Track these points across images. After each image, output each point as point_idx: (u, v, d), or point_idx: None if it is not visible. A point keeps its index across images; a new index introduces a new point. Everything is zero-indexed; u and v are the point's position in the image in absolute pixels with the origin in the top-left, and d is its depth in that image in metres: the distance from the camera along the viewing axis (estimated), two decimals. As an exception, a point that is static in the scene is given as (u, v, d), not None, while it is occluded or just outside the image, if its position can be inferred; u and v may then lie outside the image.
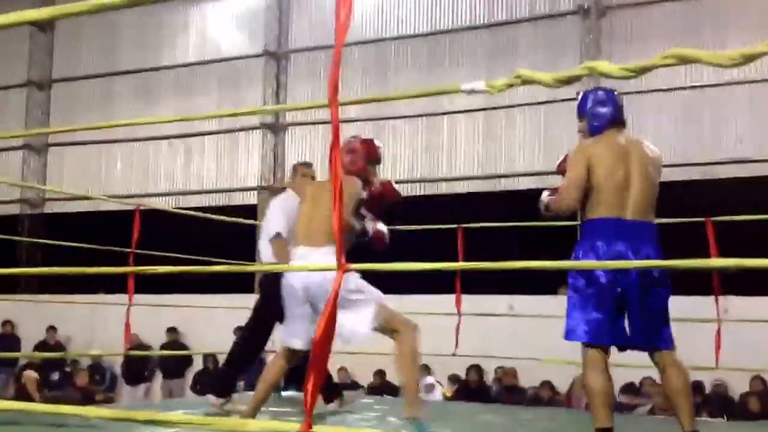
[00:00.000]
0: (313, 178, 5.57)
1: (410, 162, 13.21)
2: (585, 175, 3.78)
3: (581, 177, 3.78)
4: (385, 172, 12.59)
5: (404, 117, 13.11)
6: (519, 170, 12.62)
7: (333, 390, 5.43)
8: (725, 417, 7.47)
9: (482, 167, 12.83)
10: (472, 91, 2.29)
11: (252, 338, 5.48)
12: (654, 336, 3.72)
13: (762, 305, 9.10)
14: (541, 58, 12.53)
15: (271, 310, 4.92)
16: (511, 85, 2.27)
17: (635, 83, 10.64)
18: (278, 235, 5.08)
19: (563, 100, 11.31)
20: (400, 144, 13.22)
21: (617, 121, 3.95)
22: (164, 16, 15.04)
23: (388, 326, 4.21)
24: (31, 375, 9.49)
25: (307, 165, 5.75)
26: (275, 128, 14.26)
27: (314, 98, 13.90)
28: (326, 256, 4.11)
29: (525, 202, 12.11)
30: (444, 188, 12.98)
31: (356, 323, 4.07)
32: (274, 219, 5.12)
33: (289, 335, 4.35)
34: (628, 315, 3.72)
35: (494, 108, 12.52)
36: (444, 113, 12.98)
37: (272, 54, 14.37)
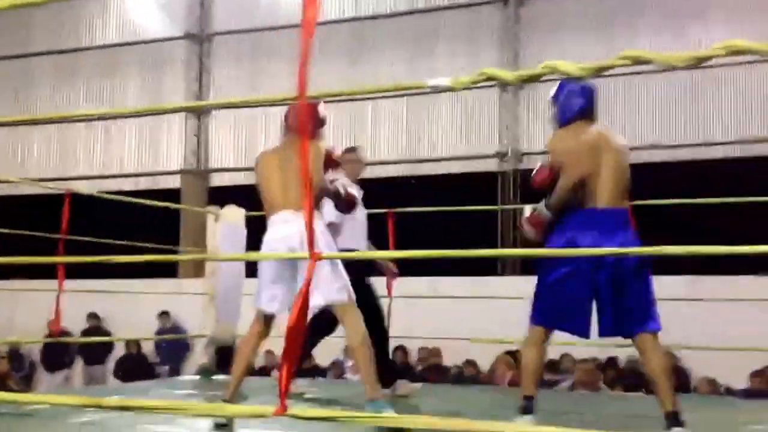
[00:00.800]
0: (359, 162, 5.49)
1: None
2: (575, 160, 3.90)
3: (573, 161, 3.89)
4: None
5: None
6: (443, 155, 12.79)
7: (392, 375, 5.35)
8: (644, 391, 7.73)
9: (406, 151, 12.97)
10: (436, 87, 2.34)
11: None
12: (629, 322, 3.83)
13: (674, 284, 9.45)
14: (461, 46, 12.71)
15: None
16: (475, 82, 2.33)
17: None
18: (331, 224, 4.93)
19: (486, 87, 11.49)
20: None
21: (587, 113, 4.04)
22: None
23: (343, 307, 4.18)
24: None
25: (353, 149, 5.65)
26: (199, 111, 14.14)
27: (238, 81, 13.82)
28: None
29: (448, 186, 12.41)
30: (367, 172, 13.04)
31: (319, 290, 3.96)
32: (328, 209, 4.90)
33: (268, 299, 4.22)
34: (598, 303, 3.84)
35: (418, 94, 12.64)
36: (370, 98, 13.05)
37: (194, 36, 14.22)
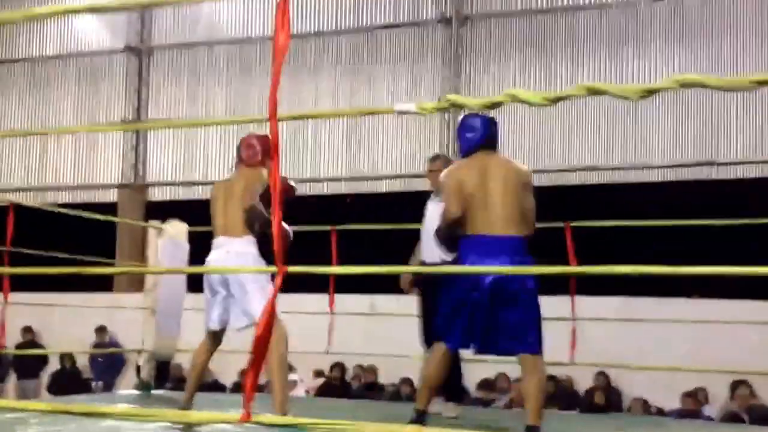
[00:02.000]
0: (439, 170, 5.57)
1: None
2: (458, 190, 4.14)
3: (455, 191, 4.14)
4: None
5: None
6: (383, 173, 12.88)
7: (458, 391, 5.46)
8: (577, 410, 7.89)
9: (347, 169, 13.03)
10: (403, 112, 2.41)
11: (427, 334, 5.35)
12: (511, 342, 4.09)
13: (608, 305, 9.63)
14: (402, 65, 12.83)
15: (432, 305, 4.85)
16: (440, 109, 2.42)
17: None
18: None
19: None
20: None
21: (486, 145, 4.24)
22: (17, 4, 14.50)
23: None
24: None
25: (437, 158, 5.73)
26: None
27: (177, 96, 13.74)
28: (244, 244, 4.53)
29: (387, 204, 12.48)
30: (309, 189, 13.07)
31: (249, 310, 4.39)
32: (434, 219, 4.90)
33: (209, 318, 4.65)
34: (480, 323, 4.08)
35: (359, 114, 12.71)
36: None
37: (134, 50, 14.11)
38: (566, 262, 6.41)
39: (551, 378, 9.48)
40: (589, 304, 9.26)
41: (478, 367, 9.28)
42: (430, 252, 5.18)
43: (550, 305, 7.80)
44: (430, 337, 4.74)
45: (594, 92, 2.18)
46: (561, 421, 6.21)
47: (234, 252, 4.51)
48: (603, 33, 11.96)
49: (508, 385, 8.88)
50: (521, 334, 4.06)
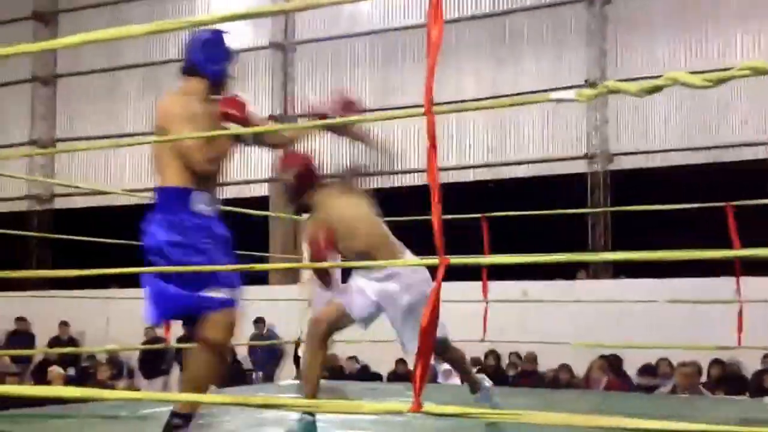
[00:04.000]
0: None
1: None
2: None
3: None
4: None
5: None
6: (528, 157, 12.72)
7: None
8: (747, 394, 7.55)
9: (492, 155, 12.94)
10: (561, 101, 2.34)
11: None
12: None
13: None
14: (546, 46, 12.62)
15: None
16: (600, 95, 2.33)
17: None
18: None
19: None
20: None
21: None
22: (169, 6, 15.09)
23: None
24: (57, 371, 9.55)
25: None
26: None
27: (322, 90, 13.96)
28: None
29: (531, 188, 12.31)
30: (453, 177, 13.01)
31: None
32: None
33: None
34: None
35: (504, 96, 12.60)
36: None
37: (279, 45, 14.42)
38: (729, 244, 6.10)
39: (718, 362, 9.09)
40: (757, 285, 8.86)
41: (638, 354, 9.07)
42: None
43: (713, 287, 7.63)
44: None
45: (757, 71, 2.01)
46: (733, 405, 5.95)
47: None
48: (758, 2, 11.38)
49: (671, 370, 8.59)
50: None
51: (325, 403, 2.43)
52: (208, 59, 3.63)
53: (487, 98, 12.68)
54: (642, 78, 11.27)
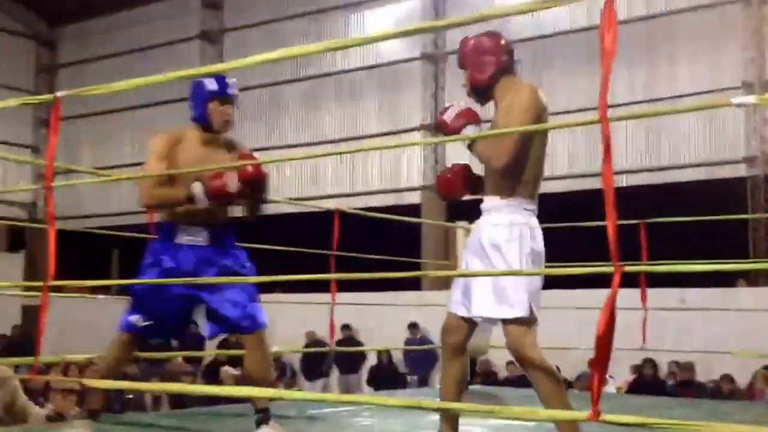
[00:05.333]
0: None
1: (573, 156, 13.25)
2: None
3: None
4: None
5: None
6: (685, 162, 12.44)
7: None
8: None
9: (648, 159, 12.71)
10: (742, 105, 2.33)
11: None
12: None
13: None
14: (701, 48, 12.31)
15: None
16: None
17: None
18: None
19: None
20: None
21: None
22: (326, 23, 15.62)
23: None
24: (230, 372, 9.99)
25: None
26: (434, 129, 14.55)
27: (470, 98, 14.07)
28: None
29: (690, 193, 11.99)
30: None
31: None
32: None
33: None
34: None
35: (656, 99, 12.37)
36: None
37: (430, 57, 14.65)
38: None
39: None
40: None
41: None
42: None
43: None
44: None
45: None
46: None
47: None
48: None
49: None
50: None
51: (503, 409, 2.49)
52: (192, 107, 3.99)
53: (640, 102, 12.52)
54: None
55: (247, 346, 3.83)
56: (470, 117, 3.40)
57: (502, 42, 3.58)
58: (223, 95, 3.89)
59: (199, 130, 3.95)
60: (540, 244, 3.33)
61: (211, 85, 3.89)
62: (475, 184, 3.52)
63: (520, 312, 3.19)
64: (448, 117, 3.43)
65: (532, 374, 3.15)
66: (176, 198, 3.76)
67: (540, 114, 3.37)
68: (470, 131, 3.36)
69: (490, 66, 3.50)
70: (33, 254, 17.47)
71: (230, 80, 3.97)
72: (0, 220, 16.13)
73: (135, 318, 3.87)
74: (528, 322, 3.20)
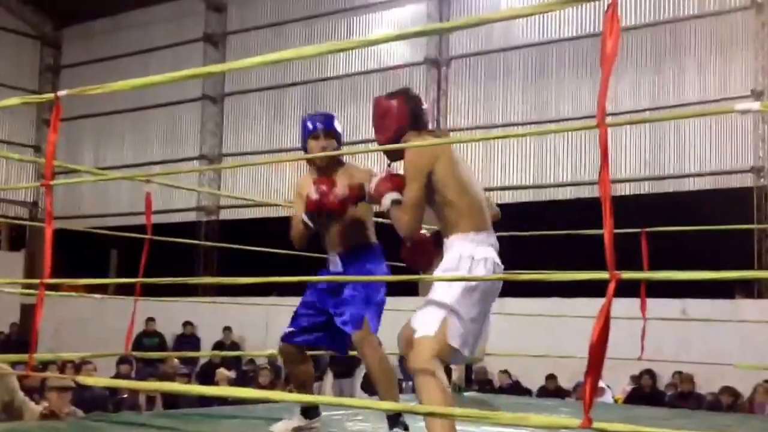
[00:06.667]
0: None
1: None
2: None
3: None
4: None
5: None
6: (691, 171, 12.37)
7: None
8: None
9: (650, 168, 12.64)
10: (746, 112, 2.29)
11: None
12: None
13: None
14: (709, 55, 12.24)
15: None
16: None
17: None
18: None
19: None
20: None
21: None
22: (328, 27, 15.58)
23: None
24: (224, 373, 10.00)
25: None
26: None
27: (475, 104, 14.05)
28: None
29: (693, 202, 11.90)
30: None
31: None
32: None
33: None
34: None
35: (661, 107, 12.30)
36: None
37: (433, 61, 14.61)
38: None
39: None
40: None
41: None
42: None
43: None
44: None
45: None
46: None
47: None
48: None
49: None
50: None
51: (496, 414, 2.46)
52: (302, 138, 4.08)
53: (645, 110, 12.46)
54: None
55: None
56: (394, 184, 3.30)
57: (406, 101, 3.44)
58: (313, 132, 3.99)
59: (312, 168, 4.08)
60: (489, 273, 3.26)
61: (306, 125, 4.02)
62: (437, 238, 3.47)
63: (428, 331, 3.21)
64: (373, 184, 3.39)
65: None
66: None
67: (432, 164, 3.24)
68: (392, 197, 3.28)
69: (390, 128, 3.40)
70: (33, 253, 17.45)
71: (319, 115, 4.11)
72: (1, 219, 16.18)
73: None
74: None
